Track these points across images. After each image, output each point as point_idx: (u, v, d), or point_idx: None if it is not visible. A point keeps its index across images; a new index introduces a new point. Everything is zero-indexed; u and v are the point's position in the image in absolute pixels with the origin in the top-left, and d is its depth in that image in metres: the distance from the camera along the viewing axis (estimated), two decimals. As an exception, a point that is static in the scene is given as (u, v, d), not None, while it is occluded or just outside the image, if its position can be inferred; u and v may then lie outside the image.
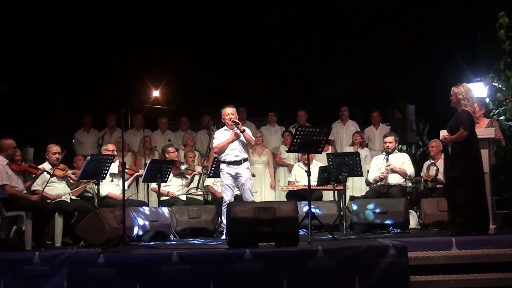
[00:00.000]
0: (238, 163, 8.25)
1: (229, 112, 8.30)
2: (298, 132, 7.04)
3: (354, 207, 8.37)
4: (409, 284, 5.81)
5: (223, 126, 8.52)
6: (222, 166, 8.33)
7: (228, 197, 8.25)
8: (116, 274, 5.73)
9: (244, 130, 8.28)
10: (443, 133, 7.21)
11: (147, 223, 7.92)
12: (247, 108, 11.90)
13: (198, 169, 10.06)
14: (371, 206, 8.20)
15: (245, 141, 8.32)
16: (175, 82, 14.84)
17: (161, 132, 11.76)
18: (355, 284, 5.70)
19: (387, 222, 8.08)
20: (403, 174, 9.02)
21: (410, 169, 9.10)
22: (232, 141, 8.26)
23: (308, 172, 7.20)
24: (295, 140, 7.05)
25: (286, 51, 15.49)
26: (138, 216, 7.84)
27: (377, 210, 8.13)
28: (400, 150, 10.17)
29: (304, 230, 7.70)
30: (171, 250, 6.04)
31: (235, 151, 8.29)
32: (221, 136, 8.38)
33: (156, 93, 14.66)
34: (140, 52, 14.48)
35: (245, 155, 8.36)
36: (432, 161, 9.35)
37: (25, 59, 12.13)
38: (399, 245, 5.87)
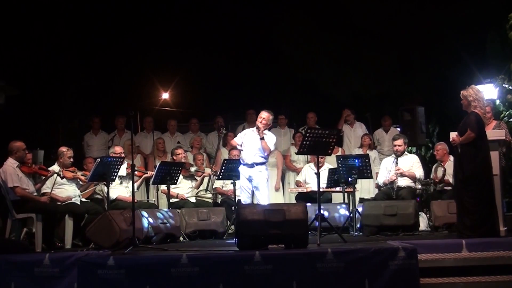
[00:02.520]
0: (251, 165, 8.36)
1: (262, 117, 8.44)
2: (308, 134, 7.03)
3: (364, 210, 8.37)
4: (419, 287, 5.79)
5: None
6: (240, 167, 8.49)
7: (243, 198, 8.33)
8: (126, 276, 5.73)
9: (263, 138, 8.35)
10: (453, 134, 7.19)
11: (156, 225, 7.96)
12: (257, 111, 11.93)
13: (208, 171, 10.08)
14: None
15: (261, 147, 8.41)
16: (185, 84, 14.84)
17: (170, 134, 11.79)
18: (365, 286, 5.69)
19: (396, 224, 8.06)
20: (413, 178, 9.02)
21: (419, 172, 9.09)
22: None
23: (318, 174, 7.19)
24: (304, 142, 7.04)
25: (295, 53, 15.45)
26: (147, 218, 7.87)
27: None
28: (410, 152, 10.16)
29: (314, 232, 7.76)
30: (180, 252, 6.04)
31: (251, 154, 8.39)
32: (243, 133, 8.58)
33: (165, 95, 14.71)
34: (149, 54, 14.49)
35: (261, 160, 8.43)
36: (440, 163, 9.34)
37: (35, 63, 12.16)
38: (409, 247, 5.85)
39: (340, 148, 11.05)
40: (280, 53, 15.58)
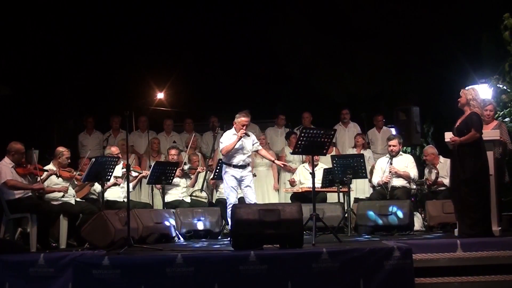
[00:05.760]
0: (243, 167, 8.37)
1: (246, 124, 8.42)
2: (303, 134, 7.05)
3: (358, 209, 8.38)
4: (414, 287, 5.80)
5: (230, 128, 8.57)
6: (228, 169, 8.41)
7: (233, 199, 8.34)
8: (121, 276, 5.74)
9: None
10: (448, 135, 7.20)
11: (151, 225, 8.00)
12: (252, 110, 11.93)
13: (201, 167, 10.08)
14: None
15: (251, 146, 8.45)
16: (180, 84, 14.88)
17: (166, 134, 11.80)
18: (360, 286, 5.70)
19: (392, 224, 8.05)
20: (407, 178, 9.05)
21: (414, 172, 9.12)
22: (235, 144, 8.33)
23: (313, 174, 7.21)
24: (299, 142, 7.06)
25: (291, 52, 15.47)
26: (140, 218, 7.90)
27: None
28: (405, 152, 10.18)
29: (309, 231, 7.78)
30: (175, 252, 6.05)
31: (242, 155, 8.38)
32: (228, 139, 8.44)
33: (160, 95, 14.71)
34: (145, 54, 14.50)
35: (250, 160, 8.54)
36: (432, 166, 9.35)
37: (29, 61, 12.12)
38: (404, 247, 5.87)
39: (334, 148, 11.07)
40: (276, 52, 15.61)
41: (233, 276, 5.69)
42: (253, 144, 8.54)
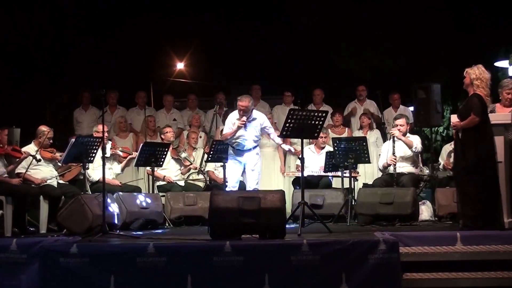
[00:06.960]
0: (248, 150, 8.48)
1: (242, 109, 8.39)
2: (291, 116, 7.08)
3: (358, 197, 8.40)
4: (400, 282, 5.84)
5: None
6: (231, 151, 8.54)
7: (232, 183, 8.47)
8: (89, 265, 5.84)
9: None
10: (454, 118, 7.17)
11: (136, 210, 8.13)
12: (263, 86, 12.00)
13: (195, 164, 10.17)
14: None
15: (259, 131, 8.52)
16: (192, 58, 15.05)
17: (166, 111, 11.84)
18: (341, 280, 5.76)
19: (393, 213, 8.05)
20: (409, 145, 8.90)
21: (417, 143, 8.98)
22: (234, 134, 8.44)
23: (302, 159, 7.29)
24: (287, 125, 7.10)
25: (310, 23, 15.41)
26: (124, 203, 8.04)
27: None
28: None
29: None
30: (150, 240, 6.15)
31: (245, 140, 8.47)
32: (230, 123, 8.52)
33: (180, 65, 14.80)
34: (148, 24, 14.61)
35: (256, 143, 8.58)
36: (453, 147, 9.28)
37: (22, 32, 12.27)
38: (390, 240, 5.89)
39: (347, 129, 11.08)
40: (294, 24, 15.58)
41: (207, 268, 5.78)
42: (262, 128, 8.56)
